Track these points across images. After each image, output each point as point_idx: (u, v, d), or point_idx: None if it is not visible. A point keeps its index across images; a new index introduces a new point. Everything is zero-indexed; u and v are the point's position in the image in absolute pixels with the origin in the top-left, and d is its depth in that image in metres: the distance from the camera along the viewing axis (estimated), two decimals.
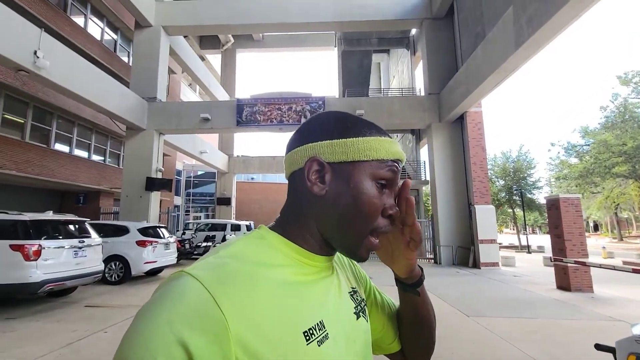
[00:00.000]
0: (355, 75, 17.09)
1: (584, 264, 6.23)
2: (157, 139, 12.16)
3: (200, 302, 0.35)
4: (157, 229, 7.78)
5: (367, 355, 0.53)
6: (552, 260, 7.52)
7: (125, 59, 15.63)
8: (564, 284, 7.21)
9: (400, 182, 0.52)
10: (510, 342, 3.81)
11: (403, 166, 0.52)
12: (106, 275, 6.76)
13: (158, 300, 0.36)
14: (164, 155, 17.21)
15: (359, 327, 0.52)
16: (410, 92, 15.95)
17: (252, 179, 27.61)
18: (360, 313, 0.55)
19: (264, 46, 22.20)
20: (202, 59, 22.39)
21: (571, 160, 17.97)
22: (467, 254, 11.32)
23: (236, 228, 13.40)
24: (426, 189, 15.46)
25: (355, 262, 0.65)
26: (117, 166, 15.25)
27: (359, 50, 16.65)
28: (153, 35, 12.44)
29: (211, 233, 12.79)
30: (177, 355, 0.32)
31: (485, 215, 11.09)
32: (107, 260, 6.68)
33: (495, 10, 9.30)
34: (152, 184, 11.38)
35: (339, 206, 0.47)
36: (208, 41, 21.90)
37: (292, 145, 0.51)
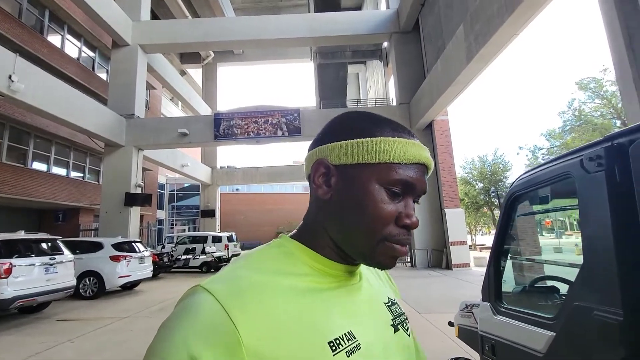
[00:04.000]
0: (331, 87, 17.67)
1: (533, 260, 6.73)
2: (136, 154, 12.38)
3: (213, 316, 0.36)
4: (132, 244, 8.01)
5: None
6: (510, 259, 8.02)
7: (104, 77, 15.87)
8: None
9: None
10: (448, 334, 4.22)
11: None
12: (80, 290, 6.95)
13: (176, 316, 0.38)
14: (145, 169, 17.39)
15: (397, 341, 0.49)
16: (385, 102, 16.59)
17: (237, 190, 27.88)
18: (399, 326, 0.51)
19: (244, 59, 22.73)
20: (183, 73, 22.77)
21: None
22: (441, 256, 11.80)
23: (217, 240, 13.63)
24: None
25: (394, 285, 0.63)
26: (97, 182, 15.35)
27: (334, 62, 17.26)
28: (130, 54, 12.76)
29: (192, 246, 12.99)
30: None
31: (454, 218, 11.61)
32: (81, 276, 6.88)
33: (452, 27, 9.97)
34: (132, 200, 11.57)
35: (343, 211, 0.45)
36: (189, 56, 22.30)
37: (309, 149, 0.51)
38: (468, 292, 7.15)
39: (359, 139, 0.45)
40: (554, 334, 1.12)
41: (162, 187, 24.70)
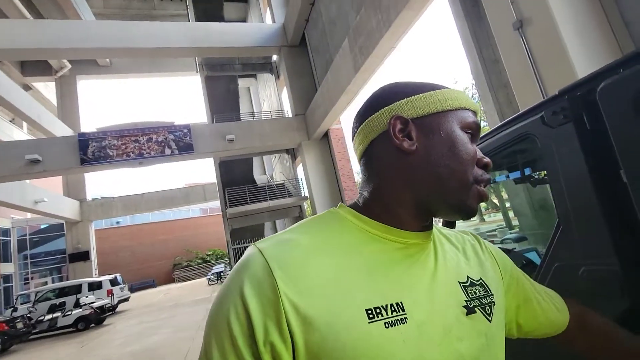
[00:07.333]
0: (223, 100, 16.79)
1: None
2: None
3: (259, 270, 0.41)
4: None
5: None
6: None
7: None
8: None
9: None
10: None
11: None
12: None
13: (233, 269, 0.44)
14: None
15: (469, 325, 0.46)
16: (280, 114, 16.67)
17: (118, 223, 23.57)
18: (478, 309, 0.48)
19: (113, 72, 19.68)
20: (28, 88, 18.27)
21: None
22: None
23: (97, 286, 11.07)
24: (307, 204, 16.23)
25: (499, 254, 0.59)
26: None
27: (224, 75, 16.51)
28: None
29: (59, 300, 10.17)
30: (241, 312, 0.39)
31: None
32: None
33: (337, 41, 10.69)
34: None
35: (434, 159, 0.45)
36: (34, 66, 18.03)
37: (364, 116, 0.50)
38: None
39: (430, 92, 0.47)
40: None
41: (6, 232, 18.98)
